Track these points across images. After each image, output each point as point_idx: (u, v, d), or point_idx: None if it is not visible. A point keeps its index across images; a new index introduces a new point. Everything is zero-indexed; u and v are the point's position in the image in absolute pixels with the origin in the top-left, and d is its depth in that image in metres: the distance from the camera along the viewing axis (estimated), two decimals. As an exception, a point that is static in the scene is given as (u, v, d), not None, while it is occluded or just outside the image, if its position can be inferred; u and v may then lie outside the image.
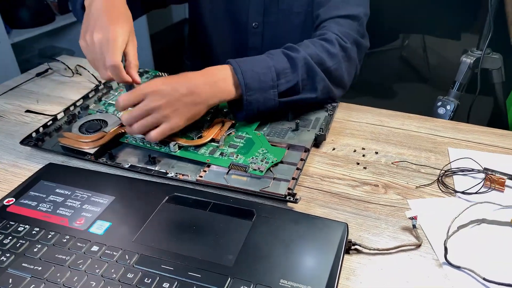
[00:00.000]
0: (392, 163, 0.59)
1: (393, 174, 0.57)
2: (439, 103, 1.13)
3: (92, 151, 0.58)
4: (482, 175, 0.54)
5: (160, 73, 0.78)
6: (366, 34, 0.75)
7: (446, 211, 0.50)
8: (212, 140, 0.60)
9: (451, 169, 0.57)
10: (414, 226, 0.47)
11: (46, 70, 0.83)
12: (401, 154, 0.61)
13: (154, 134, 0.55)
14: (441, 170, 0.57)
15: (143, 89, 0.55)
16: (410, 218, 0.48)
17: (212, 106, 0.60)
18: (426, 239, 0.47)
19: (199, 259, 0.42)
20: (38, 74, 0.82)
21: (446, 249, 0.44)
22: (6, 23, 1.52)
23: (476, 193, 0.53)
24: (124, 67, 0.55)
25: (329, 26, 0.70)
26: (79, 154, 0.58)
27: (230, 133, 0.62)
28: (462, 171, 0.56)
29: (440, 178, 0.55)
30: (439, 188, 0.54)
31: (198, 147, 0.59)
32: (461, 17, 1.77)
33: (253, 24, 0.83)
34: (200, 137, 0.60)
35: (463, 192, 0.53)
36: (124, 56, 0.56)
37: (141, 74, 0.78)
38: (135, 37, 0.58)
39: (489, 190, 0.53)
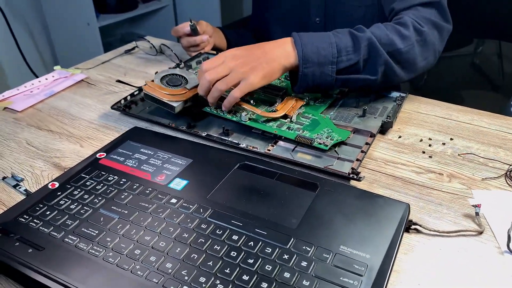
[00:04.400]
0: (458, 154, 0.59)
1: (459, 165, 0.57)
2: (513, 102, 1.09)
3: (175, 104, 0.63)
4: (555, 174, 0.53)
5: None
6: (448, 16, 0.72)
7: (512, 204, 0.50)
8: (285, 115, 0.63)
9: (521, 165, 0.56)
10: (477, 213, 0.48)
11: (133, 48, 0.91)
12: (468, 147, 0.60)
13: (235, 91, 0.61)
14: (510, 165, 0.56)
15: (223, 54, 0.63)
16: (473, 206, 0.48)
17: (285, 70, 0.64)
18: (489, 228, 0.47)
19: (265, 219, 0.46)
20: (126, 51, 0.90)
21: (509, 237, 0.44)
22: (95, 8, 1.66)
23: (546, 190, 0.52)
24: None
25: (405, 13, 0.70)
26: (161, 104, 0.64)
27: (299, 112, 0.65)
28: (533, 168, 0.55)
29: (508, 173, 0.55)
30: (507, 182, 0.54)
31: (267, 121, 0.63)
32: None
33: (316, 19, 0.87)
34: (274, 111, 0.64)
35: (532, 188, 0.52)
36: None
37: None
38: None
39: (561, 189, 0.52)
